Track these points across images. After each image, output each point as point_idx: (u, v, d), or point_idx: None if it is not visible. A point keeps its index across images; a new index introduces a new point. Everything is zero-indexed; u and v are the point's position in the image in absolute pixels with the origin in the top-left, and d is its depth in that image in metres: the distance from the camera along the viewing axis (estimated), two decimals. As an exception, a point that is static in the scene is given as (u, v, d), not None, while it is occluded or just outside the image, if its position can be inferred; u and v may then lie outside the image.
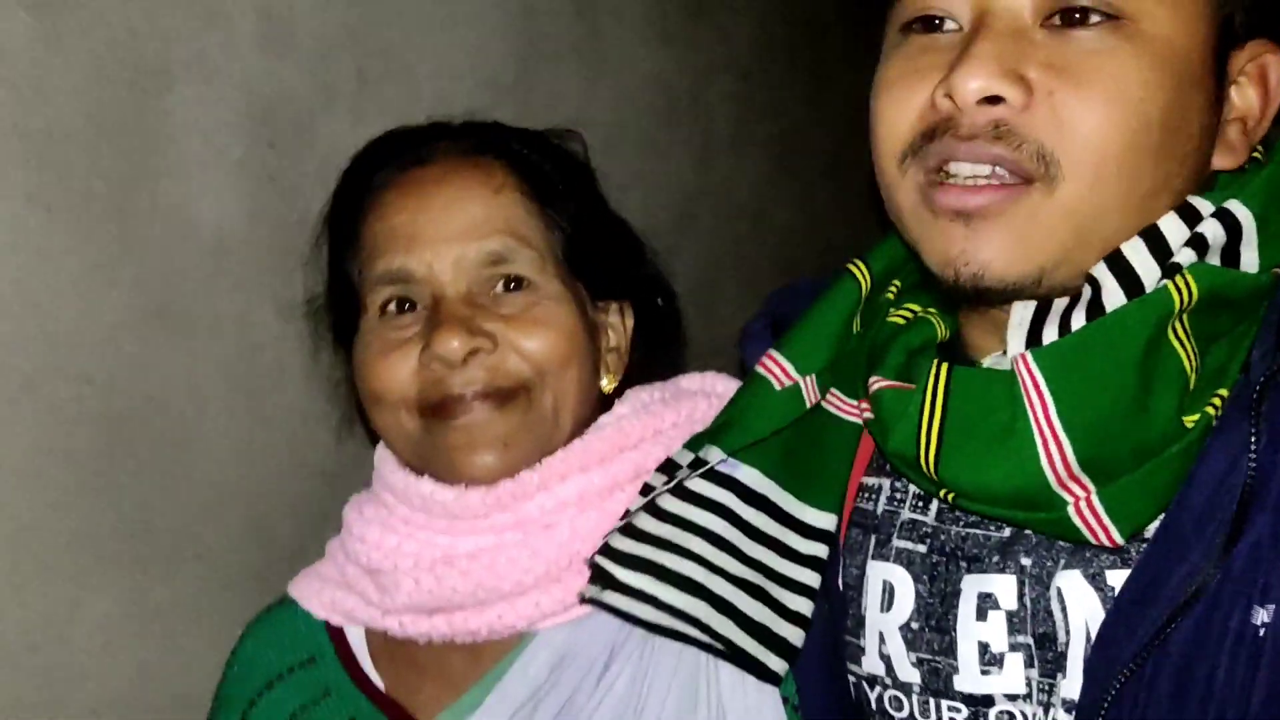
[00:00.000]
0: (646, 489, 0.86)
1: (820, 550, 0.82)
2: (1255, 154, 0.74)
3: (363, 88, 1.30)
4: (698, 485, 0.82)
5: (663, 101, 1.88)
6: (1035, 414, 0.64)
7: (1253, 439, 0.60)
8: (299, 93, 1.23)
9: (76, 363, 1.05)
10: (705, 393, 1.04)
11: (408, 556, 0.96)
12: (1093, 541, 0.66)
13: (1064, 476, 0.64)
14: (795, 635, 0.82)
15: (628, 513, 0.86)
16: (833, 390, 0.82)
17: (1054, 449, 0.64)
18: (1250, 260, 0.67)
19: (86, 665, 1.08)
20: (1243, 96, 0.72)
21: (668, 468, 0.85)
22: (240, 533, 1.21)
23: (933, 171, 0.68)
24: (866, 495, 0.82)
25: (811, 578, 0.82)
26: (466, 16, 1.45)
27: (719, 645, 0.81)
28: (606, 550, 0.83)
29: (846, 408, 0.81)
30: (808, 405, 0.81)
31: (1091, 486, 0.64)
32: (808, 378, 0.81)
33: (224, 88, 1.15)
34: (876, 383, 0.75)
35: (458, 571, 0.94)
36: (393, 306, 0.97)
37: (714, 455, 0.81)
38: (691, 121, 1.94)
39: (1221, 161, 0.71)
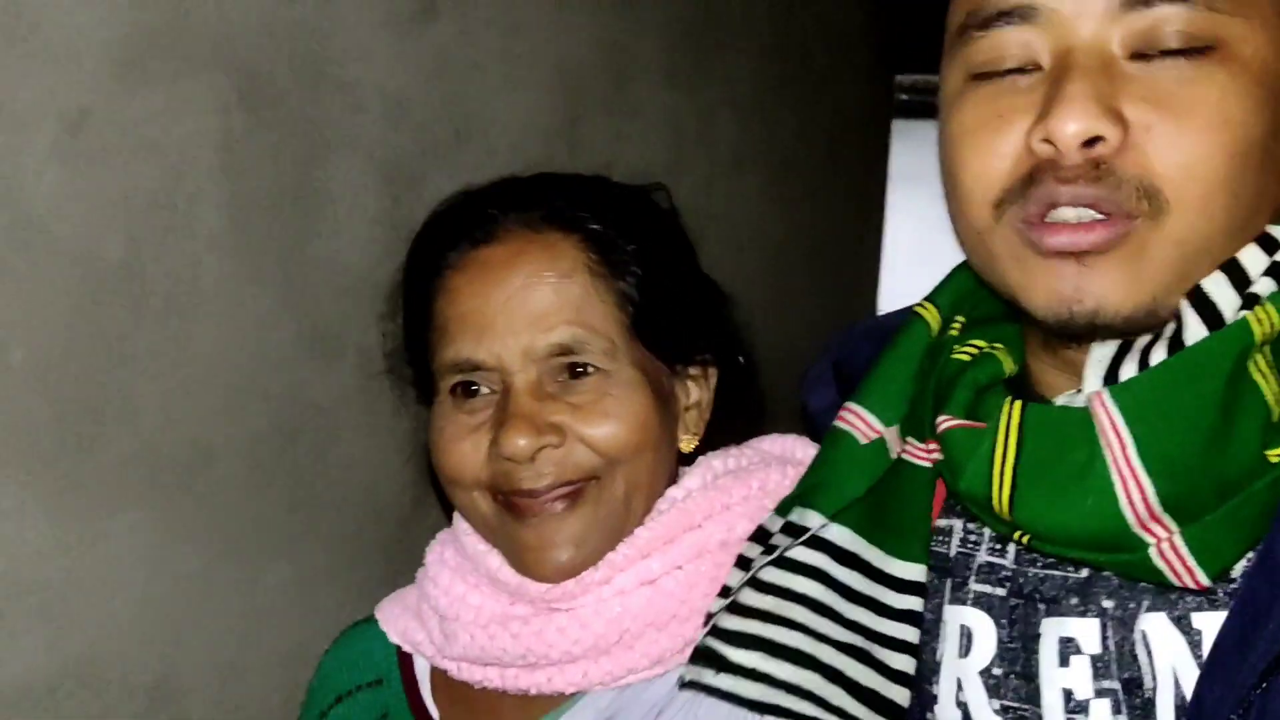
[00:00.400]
0: (743, 561, 0.81)
1: (915, 604, 0.78)
2: None
3: (458, 145, 1.57)
4: (794, 551, 0.78)
5: (674, 136, 2.17)
6: (1113, 453, 0.62)
7: None
8: (412, 154, 1.50)
9: (260, 381, 1.32)
10: (784, 459, 1.01)
11: (470, 609, 0.97)
12: (1176, 584, 0.63)
13: (1144, 517, 0.61)
14: (902, 696, 0.77)
15: (727, 590, 0.81)
16: (907, 437, 0.80)
17: (1134, 489, 0.61)
18: None
19: (266, 624, 1.35)
20: None
21: (760, 536, 0.81)
22: (369, 518, 1.50)
23: (1035, 216, 0.65)
24: (940, 539, 0.79)
25: (910, 633, 0.78)
26: (523, 80, 1.72)
27: (832, 717, 0.76)
28: (714, 631, 0.79)
29: (918, 452, 0.78)
30: (893, 457, 0.78)
31: (1174, 527, 0.61)
32: (891, 429, 0.78)
33: (361, 158, 1.42)
34: (945, 422, 0.72)
35: (509, 634, 0.94)
36: (461, 391, 0.97)
37: (812, 520, 0.77)
38: (698, 152, 2.24)
39: None
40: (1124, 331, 0.66)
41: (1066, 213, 0.65)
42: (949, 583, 0.78)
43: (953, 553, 0.78)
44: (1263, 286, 0.63)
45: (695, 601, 0.92)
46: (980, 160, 0.67)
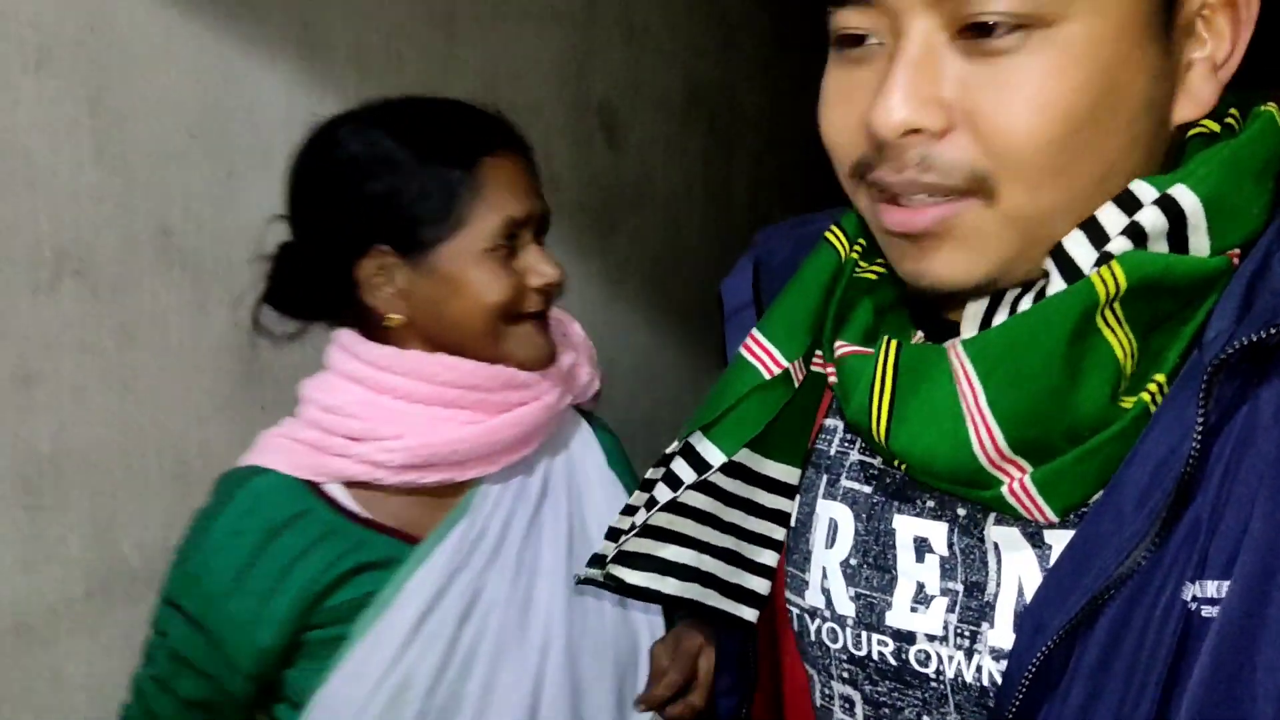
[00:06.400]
0: (646, 484, 0.82)
1: (784, 504, 0.81)
2: (1230, 119, 0.67)
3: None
4: (686, 473, 0.79)
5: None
6: (966, 401, 0.63)
7: (1199, 419, 0.58)
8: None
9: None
10: None
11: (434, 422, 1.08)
12: (1029, 518, 0.65)
13: (996, 459, 0.63)
14: (763, 586, 0.82)
15: (630, 508, 0.83)
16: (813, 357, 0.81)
17: (984, 434, 0.62)
18: (1200, 245, 0.63)
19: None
20: (1211, 30, 0.64)
21: (662, 459, 0.81)
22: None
23: (876, 194, 0.67)
24: (824, 436, 0.81)
25: (777, 531, 0.81)
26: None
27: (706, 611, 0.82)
28: (619, 556, 0.81)
29: (817, 364, 0.80)
30: (797, 385, 0.79)
31: (1027, 466, 0.63)
32: (795, 362, 0.78)
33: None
34: (841, 348, 0.73)
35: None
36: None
37: (713, 456, 0.78)
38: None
39: (1185, 113, 0.64)
40: (975, 295, 0.68)
41: (896, 192, 0.66)
42: (825, 478, 0.79)
43: (832, 450, 0.79)
44: (1117, 245, 0.62)
45: None
46: (834, 133, 0.68)
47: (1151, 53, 0.61)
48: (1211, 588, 0.57)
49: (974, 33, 0.60)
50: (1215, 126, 0.66)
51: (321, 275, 1.06)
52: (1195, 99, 0.64)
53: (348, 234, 1.03)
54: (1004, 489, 0.64)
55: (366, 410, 1.03)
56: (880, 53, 0.64)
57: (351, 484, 1.04)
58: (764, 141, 2.78)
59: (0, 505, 1.15)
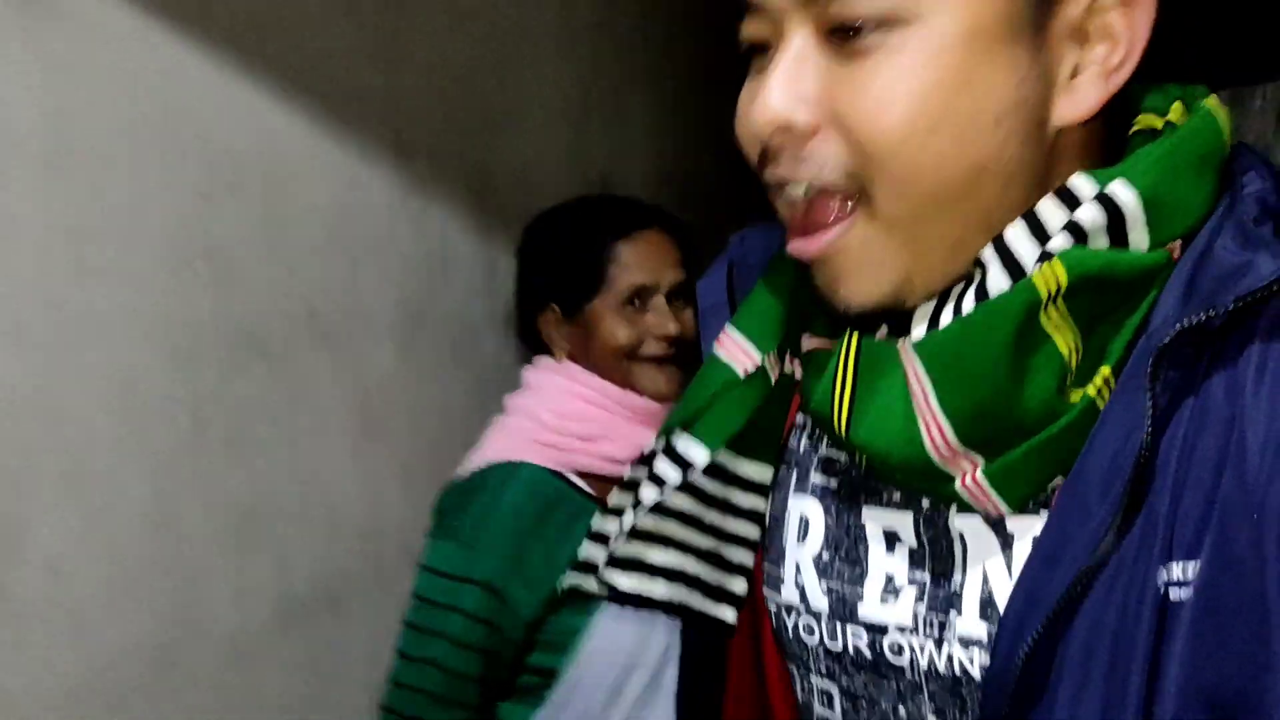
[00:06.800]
0: (628, 485, 0.81)
1: (759, 503, 0.81)
2: (1170, 120, 0.65)
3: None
4: (669, 473, 0.79)
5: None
6: (917, 399, 0.63)
7: (1149, 406, 0.57)
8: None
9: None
10: None
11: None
12: (983, 512, 0.65)
13: (947, 454, 0.63)
14: (742, 586, 0.82)
15: (615, 510, 0.82)
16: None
17: (935, 430, 0.62)
18: (1139, 240, 0.62)
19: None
20: (1102, 34, 0.62)
21: (644, 458, 0.81)
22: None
23: (777, 193, 0.67)
24: (795, 432, 0.81)
25: (752, 530, 0.81)
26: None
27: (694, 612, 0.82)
28: (611, 560, 0.80)
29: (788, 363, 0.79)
30: (773, 382, 0.78)
31: (979, 460, 0.63)
32: (770, 355, 0.77)
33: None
34: (809, 341, 0.73)
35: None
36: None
37: (697, 455, 0.77)
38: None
39: (1065, 115, 0.62)
40: (888, 310, 0.66)
41: (789, 191, 0.66)
42: (795, 474, 0.79)
43: (801, 447, 0.79)
44: (1057, 243, 0.61)
45: None
46: (741, 139, 0.68)
47: (1017, 54, 0.60)
48: (1178, 570, 0.57)
49: (841, 36, 0.61)
50: (1158, 123, 0.66)
51: (525, 322, 1.51)
52: (1077, 102, 0.63)
53: (531, 297, 1.53)
54: (957, 483, 0.64)
55: (585, 414, 1.42)
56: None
57: (583, 474, 1.40)
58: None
59: (217, 549, 1.38)
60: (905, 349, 0.64)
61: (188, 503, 1.34)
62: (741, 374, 0.78)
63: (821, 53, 0.63)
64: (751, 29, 0.67)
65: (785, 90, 0.63)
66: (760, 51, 0.67)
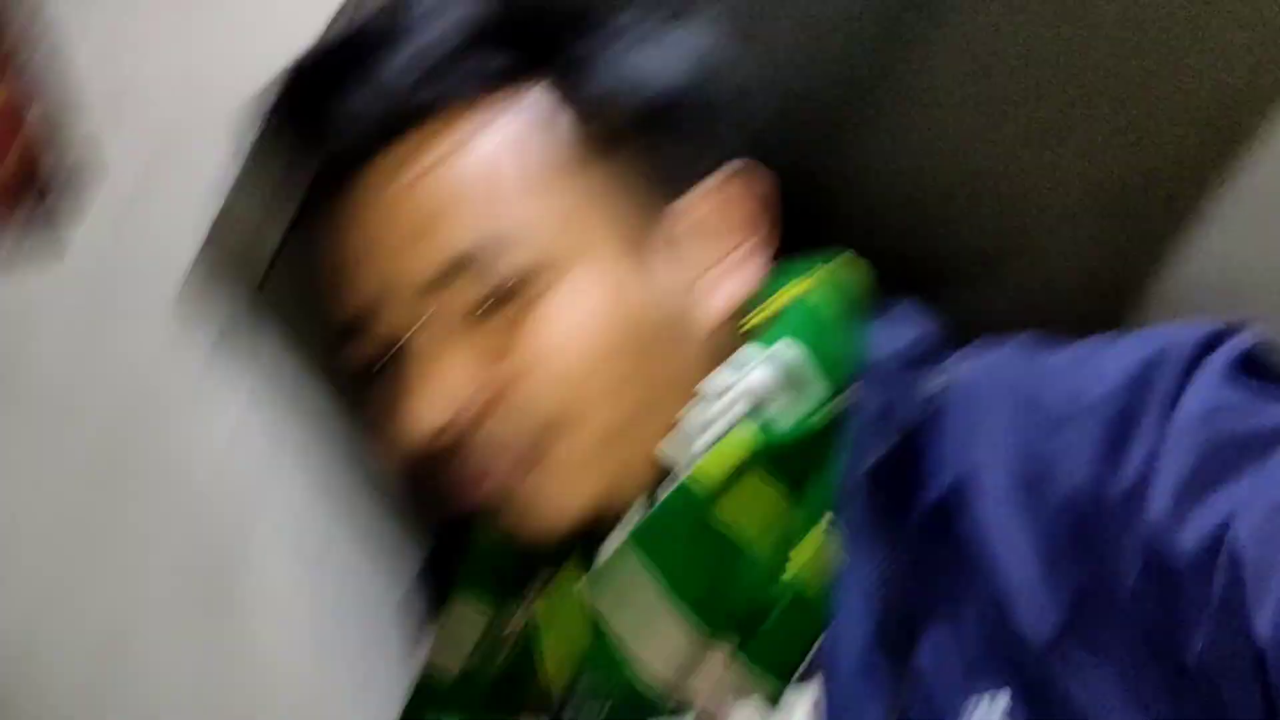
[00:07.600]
0: None
1: None
2: (817, 282, 0.65)
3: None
4: None
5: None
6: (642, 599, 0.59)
7: (874, 542, 0.56)
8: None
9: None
10: None
11: None
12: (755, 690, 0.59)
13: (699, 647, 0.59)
14: None
15: None
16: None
17: (675, 630, 0.58)
18: (818, 391, 0.61)
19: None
20: (702, 242, 0.62)
21: None
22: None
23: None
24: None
25: None
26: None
27: None
28: None
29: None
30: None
31: (736, 639, 0.59)
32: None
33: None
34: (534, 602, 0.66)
35: None
36: None
37: None
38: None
39: (708, 316, 0.62)
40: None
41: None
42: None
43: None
44: (707, 437, 0.59)
45: None
46: (412, 445, 0.62)
47: (652, 269, 0.60)
48: (988, 702, 0.52)
49: (490, 303, 0.58)
50: (807, 283, 0.65)
51: None
52: (707, 307, 0.62)
53: None
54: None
55: None
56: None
57: None
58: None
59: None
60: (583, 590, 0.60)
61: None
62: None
63: (470, 325, 0.59)
64: (367, 349, 0.61)
65: (444, 390, 0.59)
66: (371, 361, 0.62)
